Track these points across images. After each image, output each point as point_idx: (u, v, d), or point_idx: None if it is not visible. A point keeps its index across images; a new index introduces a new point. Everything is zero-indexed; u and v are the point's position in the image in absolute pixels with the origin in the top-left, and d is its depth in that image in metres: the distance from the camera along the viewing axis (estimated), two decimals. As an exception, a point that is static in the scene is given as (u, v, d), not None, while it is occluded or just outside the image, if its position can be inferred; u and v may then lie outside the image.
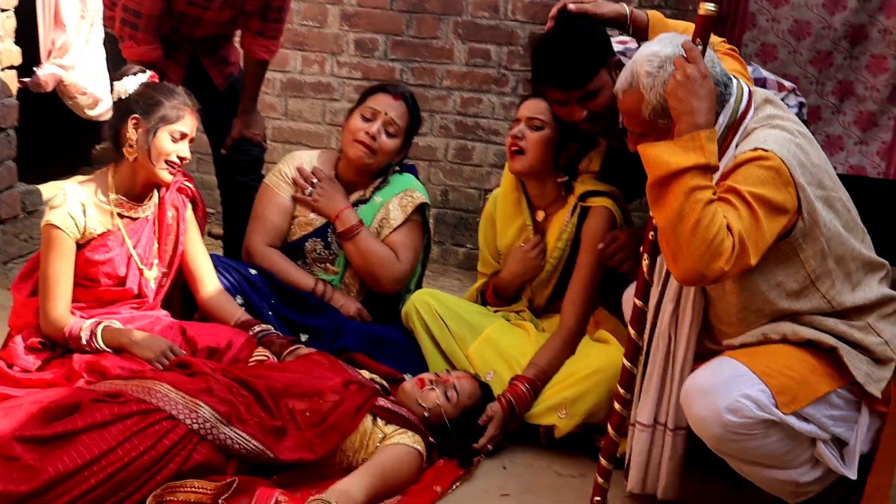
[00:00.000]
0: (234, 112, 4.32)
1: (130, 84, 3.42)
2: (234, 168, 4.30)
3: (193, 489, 2.79)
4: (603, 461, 2.95)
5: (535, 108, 3.68)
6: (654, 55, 2.75)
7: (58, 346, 3.34)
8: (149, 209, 3.51)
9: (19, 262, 4.51)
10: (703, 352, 2.99)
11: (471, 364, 3.59)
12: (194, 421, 2.87)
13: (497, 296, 3.84)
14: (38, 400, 2.93)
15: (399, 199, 3.91)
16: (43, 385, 3.16)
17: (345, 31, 5.79)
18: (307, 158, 4.00)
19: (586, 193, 3.69)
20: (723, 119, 2.79)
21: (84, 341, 3.26)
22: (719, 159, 2.69)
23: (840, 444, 2.82)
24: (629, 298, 3.33)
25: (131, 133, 3.36)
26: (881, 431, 2.86)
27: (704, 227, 2.52)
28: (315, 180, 3.89)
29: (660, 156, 2.60)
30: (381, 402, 3.17)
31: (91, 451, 2.71)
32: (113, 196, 3.42)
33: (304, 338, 3.64)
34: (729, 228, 2.55)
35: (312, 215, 3.89)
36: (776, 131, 2.76)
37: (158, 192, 3.54)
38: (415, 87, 5.47)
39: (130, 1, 3.91)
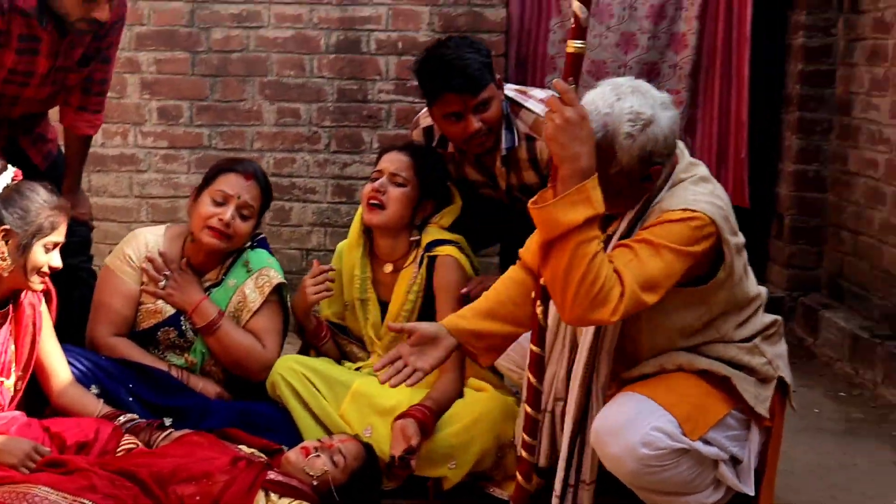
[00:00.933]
0: (57, 192, 4.10)
1: None
2: (62, 250, 4.07)
3: None
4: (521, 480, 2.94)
5: (398, 164, 3.65)
6: (627, 110, 2.68)
7: None
8: (7, 315, 3.25)
9: None
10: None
11: (346, 423, 3.50)
12: (82, 523, 2.68)
13: (300, 330, 3.81)
14: None
15: (254, 280, 3.74)
16: None
17: (146, 99, 5.67)
18: (152, 239, 3.76)
19: (431, 243, 3.69)
20: (666, 170, 2.80)
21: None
22: (650, 206, 2.76)
23: (734, 462, 2.90)
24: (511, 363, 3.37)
25: (0, 246, 3.11)
26: (766, 444, 2.97)
27: (590, 282, 2.54)
28: (167, 272, 3.70)
29: (551, 216, 2.57)
30: (272, 475, 3.06)
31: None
32: None
33: (168, 421, 3.44)
34: (619, 278, 2.58)
35: (161, 303, 3.70)
36: (704, 186, 2.79)
37: (15, 295, 3.29)
38: (225, 151, 5.39)
39: None
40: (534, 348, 2.84)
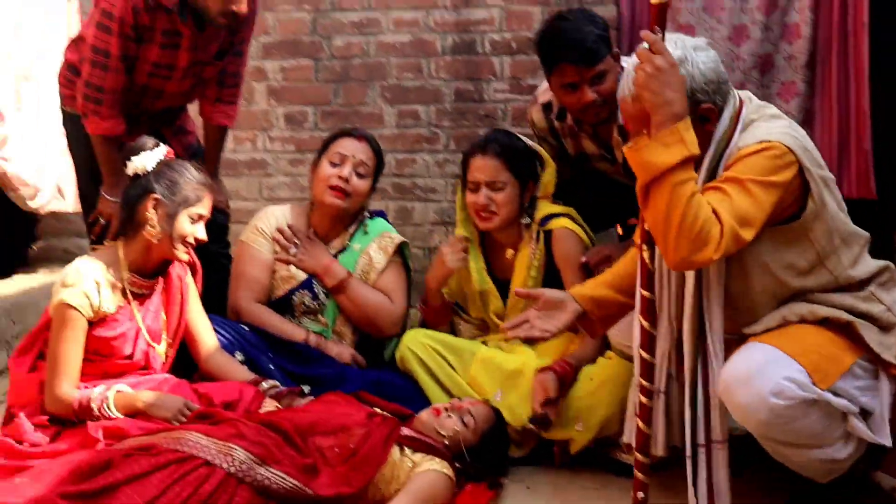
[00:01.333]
0: (204, 171, 4.31)
1: (149, 160, 3.41)
2: (214, 239, 4.26)
3: (239, 533, 2.75)
4: (639, 456, 2.92)
5: (489, 170, 3.75)
6: None
7: (67, 422, 3.25)
8: (157, 284, 3.49)
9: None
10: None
11: (475, 390, 3.61)
12: (230, 464, 2.84)
13: (423, 302, 3.92)
14: (66, 462, 2.87)
15: (377, 242, 3.99)
16: (58, 455, 3.06)
17: (273, 106, 5.84)
18: (280, 213, 4.05)
19: (545, 218, 3.80)
20: (728, 112, 2.88)
21: (96, 410, 3.19)
22: (724, 150, 2.83)
23: (865, 415, 2.87)
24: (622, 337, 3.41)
25: (151, 213, 3.35)
26: (897, 394, 2.95)
27: (691, 221, 2.60)
28: (296, 241, 3.90)
29: (646, 159, 2.64)
30: (406, 431, 3.17)
31: (135, 501, 2.67)
32: (125, 274, 3.39)
33: (306, 388, 3.61)
34: (717, 216, 2.63)
35: (294, 269, 3.89)
36: (776, 122, 2.87)
37: (165, 266, 3.52)
38: (348, 154, 5.52)
39: (93, 77, 3.90)
40: (644, 292, 2.85)
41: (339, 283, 3.85)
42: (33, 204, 4.93)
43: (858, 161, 5.42)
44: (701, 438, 2.91)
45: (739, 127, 2.88)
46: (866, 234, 3.07)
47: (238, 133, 5.81)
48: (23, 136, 4.80)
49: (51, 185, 4.97)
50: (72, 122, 4.16)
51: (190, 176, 3.43)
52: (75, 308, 3.25)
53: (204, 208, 3.43)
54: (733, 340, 2.95)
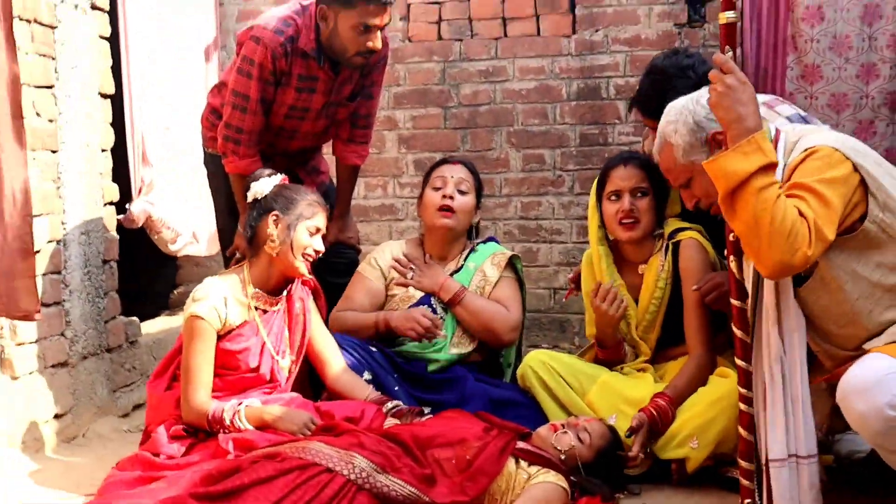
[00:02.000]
0: (328, 218, 4.48)
1: (265, 186, 3.67)
2: (330, 270, 4.42)
3: (359, 537, 2.84)
4: (743, 463, 2.93)
5: (634, 178, 3.82)
6: (667, 111, 3.11)
7: (200, 433, 3.43)
8: (280, 302, 3.66)
9: (125, 392, 4.59)
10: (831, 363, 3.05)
11: (593, 410, 3.65)
12: (351, 471, 2.93)
13: (601, 346, 3.91)
14: (199, 469, 3.02)
15: (490, 259, 4.16)
16: (191, 465, 3.23)
17: (403, 153, 6.04)
18: (395, 246, 4.29)
19: (674, 231, 3.83)
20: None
21: (228, 421, 3.36)
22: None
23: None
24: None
25: (272, 229, 3.59)
26: None
27: (780, 222, 2.64)
28: (412, 266, 4.06)
29: (725, 167, 2.71)
30: (522, 444, 3.23)
31: (261, 502, 2.76)
32: (251, 290, 3.58)
33: (427, 409, 3.70)
34: (802, 215, 2.67)
35: (411, 290, 4.04)
36: (819, 133, 2.95)
37: (288, 287, 3.70)
38: (476, 198, 5.65)
39: (232, 119, 4.11)
40: (735, 302, 2.88)
41: (454, 296, 3.99)
42: (173, 247, 5.15)
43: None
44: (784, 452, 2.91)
45: (782, 151, 2.94)
46: None
47: (369, 180, 6.01)
48: (167, 183, 5.03)
49: (188, 230, 5.19)
50: (213, 162, 4.38)
51: (304, 194, 3.69)
52: (205, 319, 3.46)
53: (319, 222, 3.66)
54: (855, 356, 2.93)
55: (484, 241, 4.25)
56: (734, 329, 2.89)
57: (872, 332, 2.93)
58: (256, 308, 3.63)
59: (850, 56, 5.46)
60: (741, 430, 2.91)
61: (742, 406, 2.89)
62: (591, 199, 3.96)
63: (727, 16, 2.78)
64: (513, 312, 4.05)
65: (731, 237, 2.86)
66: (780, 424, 2.92)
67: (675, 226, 3.85)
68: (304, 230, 3.61)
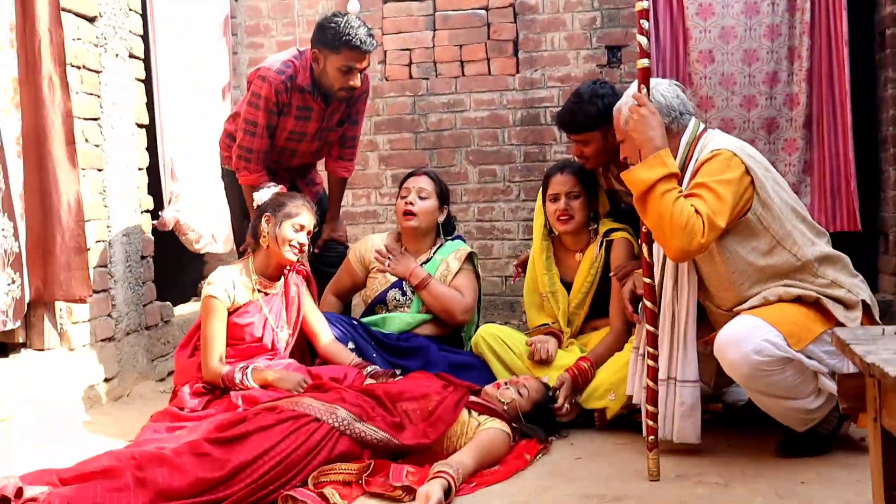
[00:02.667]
0: (322, 220, 4.47)
1: (265, 195, 3.69)
2: (324, 262, 4.41)
3: (342, 471, 2.82)
4: (650, 408, 2.93)
5: (568, 183, 3.82)
6: (626, 93, 3.14)
7: (216, 390, 3.41)
8: (278, 287, 3.66)
9: (161, 361, 4.56)
10: (713, 317, 3.11)
11: (531, 372, 3.64)
12: (334, 420, 2.91)
13: None
14: (213, 420, 3.00)
15: (454, 255, 4.13)
16: (208, 417, 3.21)
17: (383, 169, 6.00)
18: (378, 239, 4.24)
19: (609, 230, 3.82)
20: (686, 138, 3.01)
21: (238, 380, 3.34)
22: (686, 165, 2.94)
23: (834, 375, 2.84)
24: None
25: (264, 226, 3.57)
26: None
27: (677, 217, 2.71)
28: (390, 256, 4.05)
29: (637, 177, 2.79)
30: (473, 398, 3.22)
31: (262, 445, 2.75)
32: (254, 277, 3.59)
33: (398, 372, 3.69)
34: (697, 211, 2.73)
35: (388, 275, 4.05)
36: (727, 137, 3.01)
37: (285, 273, 3.68)
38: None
39: (244, 141, 4.11)
40: (646, 280, 2.88)
41: (420, 282, 3.98)
42: (197, 246, 5.11)
43: (847, 200, 5.37)
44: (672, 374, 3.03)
45: (699, 146, 2.99)
46: (824, 231, 3.08)
47: (356, 190, 5.98)
48: (191, 195, 5.00)
49: (208, 232, 5.16)
50: (228, 176, 4.37)
51: (292, 198, 3.68)
52: (217, 298, 3.47)
53: (303, 220, 3.63)
54: (728, 316, 3.00)
55: (452, 239, 4.23)
56: (644, 301, 2.91)
57: (742, 299, 3.00)
58: (259, 290, 3.61)
59: (735, 89, 5.51)
60: (648, 381, 2.91)
61: (649, 362, 2.89)
62: (538, 200, 3.96)
63: (642, 63, 2.82)
64: (467, 298, 4.03)
65: (643, 229, 2.89)
66: (665, 353, 3.02)
67: (609, 226, 3.84)
68: (289, 226, 3.59)
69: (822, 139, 5.42)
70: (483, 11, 5.79)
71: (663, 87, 3.03)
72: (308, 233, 3.65)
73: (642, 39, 2.79)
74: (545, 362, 3.66)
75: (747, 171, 2.84)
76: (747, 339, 2.78)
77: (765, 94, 5.49)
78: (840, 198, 5.43)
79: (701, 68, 5.48)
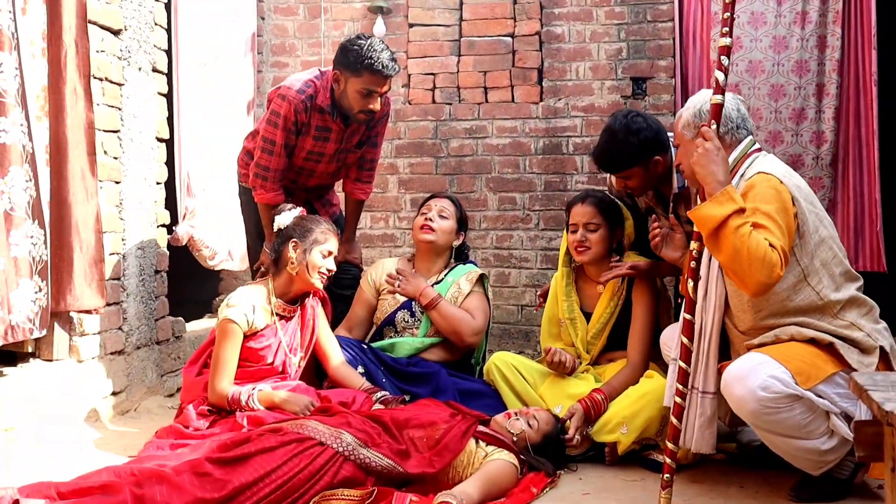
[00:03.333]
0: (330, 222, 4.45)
1: (286, 218, 3.66)
2: (337, 285, 4.38)
3: (344, 497, 2.76)
4: (670, 445, 2.86)
5: (588, 214, 3.79)
6: (694, 95, 3.18)
7: (223, 412, 3.37)
8: (297, 310, 3.64)
9: (171, 376, 4.54)
10: (730, 336, 3.10)
11: (543, 402, 3.59)
12: (339, 445, 2.87)
13: None
14: (217, 439, 2.96)
15: (465, 277, 4.12)
16: (212, 436, 3.17)
17: (402, 193, 5.98)
18: (389, 263, 4.25)
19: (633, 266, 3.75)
20: (736, 153, 3.00)
21: (244, 402, 3.31)
22: (731, 178, 2.89)
23: (848, 419, 2.80)
24: (666, 340, 3.41)
25: (291, 253, 3.55)
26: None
27: (755, 251, 2.67)
28: (400, 277, 4.03)
29: (706, 213, 2.75)
30: (482, 428, 3.17)
31: (264, 467, 2.71)
32: (274, 300, 3.55)
33: (407, 398, 3.66)
34: (771, 244, 2.70)
35: (398, 296, 4.04)
36: (775, 161, 2.99)
37: (304, 297, 3.68)
38: (460, 230, 5.60)
39: (261, 160, 4.09)
40: (687, 317, 2.85)
41: (430, 301, 3.96)
42: (212, 263, 5.11)
43: (872, 241, 5.30)
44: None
45: (748, 162, 2.99)
46: (859, 276, 3.02)
47: (374, 213, 5.97)
48: (206, 211, 5.00)
49: (224, 249, 5.16)
50: (245, 194, 4.35)
51: (318, 223, 3.65)
52: (235, 323, 3.42)
53: (331, 246, 3.61)
54: (742, 337, 3.02)
55: (464, 263, 4.21)
56: (682, 338, 2.85)
57: (757, 326, 2.97)
58: (278, 315, 3.58)
59: (760, 124, 5.46)
60: (672, 419, 2.85)
61: (677, 399, 2.83)
62: (565, 228, 3.94)
63: (716, 98, 2.79)
64: (477, 320, 4.00)
65: (691, 264, 2.84)
66: (692, 364, 2.96)
67: (633, 259, 3.80)
68: (318, 253, 3.57)
69: (848, 178, 5.37)
70: (509, 38, 5.79)
71: (727, 98, 2.99)
72: (334, 258, 3.65)
73: (720, 75, 2.77)
74: (562, 367, 3.61)
75: (793, 201, 2.84)
76: (753, 374, 2.74)
77: (791, 130, 5.44)
78: (864, 237, 5.37)
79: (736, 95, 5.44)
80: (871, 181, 5.28)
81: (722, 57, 2.76)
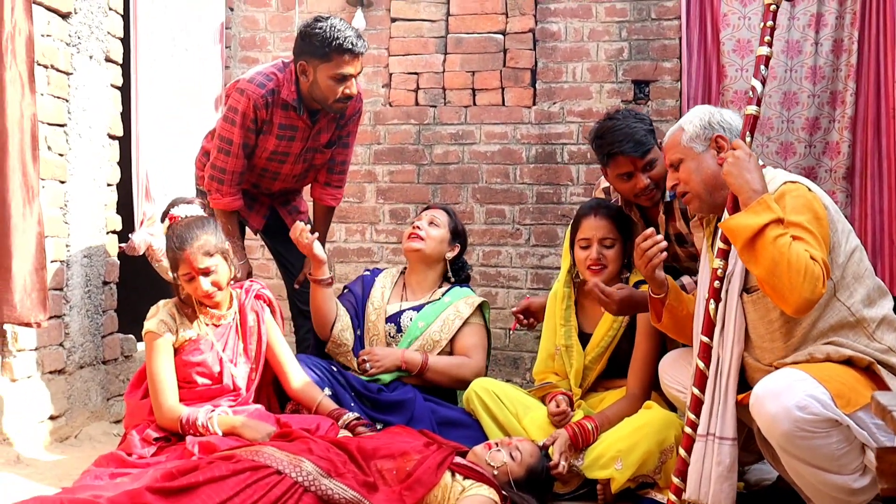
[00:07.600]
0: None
1: (181, 211, 3.63)
2: (304, 300, 4.27)
3: (303, 535, 2.66)
4: (676, 481, 2.79)
5: (602, 228, 3.66)
6: (691, 110, 3.14)
7: (172, 437, 3.27)
8: (230, 316, 3.54)
9: (119, 400, 4.40)
10: (749, 373, 2.99)
11: (527, 433, 3.48)
12: (298, 474, 2.77)
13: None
14: (161, 468, 2.85)
15: (465, 300, 4.03)
16: (157, 464, 3.06)
17: (380, 203, 5.88)
18: (388, 275, 4.19)
19: (639, 282, 3.65)
20: None
21: (201, 424, 3.22)
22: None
23: (884, 452, 2.69)
24: (665, 369, 3.32)
25: (171, 273, 3.54)
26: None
27: (795, 264, 2.60)
28: (366, 358, 3.88)
29: (741, 222, 2.70)
30: (459, 459, 3.06)
31: (213, 499, 2.61)
32: (199, 308, 3.50)
33: (379, 426, 3.54)
34: (812, 256, 2.64)
35: (388, 308, 4.03)
36: (785, 173, 2.98)
37: (237, 300, 3.58)
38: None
39: (217, 160, 4.00)
40: (704, 339, 2.82)
41: (420, 367, 3.85)
42: (172, 275, 4.99)
43: (891, 261, 5.23)
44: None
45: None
46: (888, 292, 2.94)
47: (350, 225, 5.86)
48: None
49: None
50: (203, 198, 4.24)
51: (178, 243, 3.50)
52: (158, 333, 3.38)
53: (187, 269, 3.45)
54: (768, 370, 2.88)
55: (461, 285, 4.13)
56: (699, 361, 2.82)
57: (786, 354, 2.87)
58: (207, 324, 3.50)
59: (771, 135, 5.42)
60: (681, 451, 2.80)
61: (687, 430, 2.76)
62: (566, 242, 3.82)
63: (751, 109, 2.87)
64: (475, 359, 3.92)
65: (714, 283, 2.81)
66: (706, 407, 2.89)
67: (639, 277, 3.67)
68: (182, 280, 3.49)
69: (865, 193, 5.31)
70: (500, 36, 5.71)
71: (728, 113, 3.06)
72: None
73: (756, 84, 2.79)
74: (563, 418, 3.48)
75: (826, 210, 2.80)
76: (790, 391, 2.61)
77: (804, 141, 5.39)
78: (883, 257, 5.30)
79: (735, 109, 5.37)
80: (891, 196, 5.21)
81: (761, 66, 2.82)
